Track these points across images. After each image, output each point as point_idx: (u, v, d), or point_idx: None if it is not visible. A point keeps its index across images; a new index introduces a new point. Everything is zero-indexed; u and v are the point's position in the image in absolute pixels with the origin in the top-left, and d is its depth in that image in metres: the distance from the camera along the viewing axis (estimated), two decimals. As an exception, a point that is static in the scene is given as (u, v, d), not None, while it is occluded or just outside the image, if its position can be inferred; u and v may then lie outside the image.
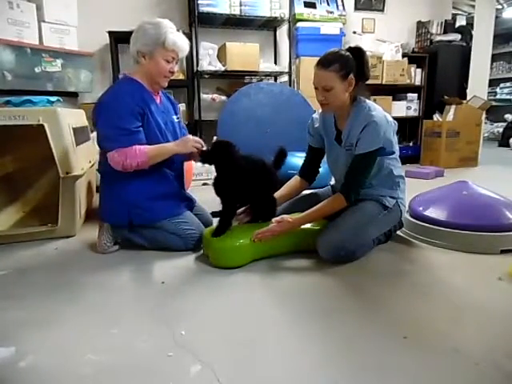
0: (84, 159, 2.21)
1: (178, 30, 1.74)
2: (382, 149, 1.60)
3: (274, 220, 1.66)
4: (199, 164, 3.23)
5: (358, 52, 1.59)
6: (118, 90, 1.71)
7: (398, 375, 0.96)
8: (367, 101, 1.66)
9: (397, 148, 1.74)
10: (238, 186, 1.65)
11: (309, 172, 1.93)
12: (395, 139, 1.72)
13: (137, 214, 1.72)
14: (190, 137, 1.72)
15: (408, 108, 4.62)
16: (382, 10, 4.72)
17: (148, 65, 1.70)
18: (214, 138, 3.61)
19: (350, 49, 1.60)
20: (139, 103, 1.68)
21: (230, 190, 1.66)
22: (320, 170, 1.95)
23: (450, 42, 4.70)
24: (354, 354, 1.04)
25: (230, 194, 1.67)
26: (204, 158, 1.69)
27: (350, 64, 1.56)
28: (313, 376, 0.96)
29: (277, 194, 1.84)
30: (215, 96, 3.91)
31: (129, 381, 0.95)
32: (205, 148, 1.71)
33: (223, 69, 3.72)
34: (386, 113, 1.67)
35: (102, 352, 1.06)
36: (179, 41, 1.70)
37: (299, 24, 4.03)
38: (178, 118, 1.94)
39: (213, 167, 1.69)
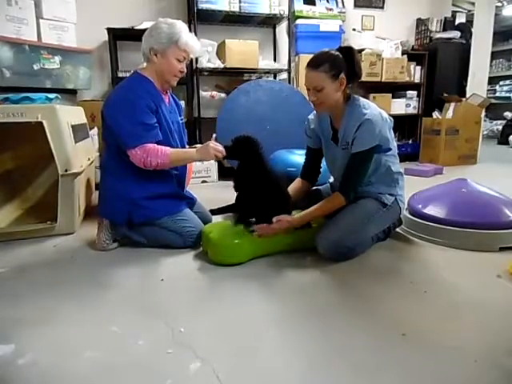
0: (83, 156, 2.21)
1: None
2: (378, 146, 1.61)
3: (274, 219, 1.66)
4: (199, 162, 3.23)
5: (348, 51, 1.59)
6: (134, 86, 1.69)
7: (397, 372, 0.96)
8: (361, 99, 1.66)
9: (394, 144, 1.74)
10: (260, 180, 1.64)
11: (310, 173, 1.92)
12: (392, 136, 1.72)
13: (136, 211, 1.72)
14: (211, 144, 1.66)
15: (407, 105, 4.61)
16: (382, 7, 4.71)
17: (160, 63, 1.71)
18: (213, 135, 3.60)
19: (340, 49, 1.61)
20: (153, 100, 1.68)
21: (251, 182, 1.65)
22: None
23: (449, 39, 4.70)
24: (353, 351, 1.04)
25: (251, 186, 1.66)
26: (229, 155, 1.66)
27: (340, 64, 1.56)
28: (312, 373, 0.96)
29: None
30: (214, 93, 3.91)
31: (128, 378, 0.96)
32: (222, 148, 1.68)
33: (222, 66, 3.71)
34: (381, 110, 1.67)
35: (100, 349, 1.06)
36: (192, 41, 1.73)
37: (298, 21, 4.02)
38: (181, 120, 1.94)
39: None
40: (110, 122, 1.66)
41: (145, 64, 1.78)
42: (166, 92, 1.83)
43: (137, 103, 1.63)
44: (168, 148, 1.67)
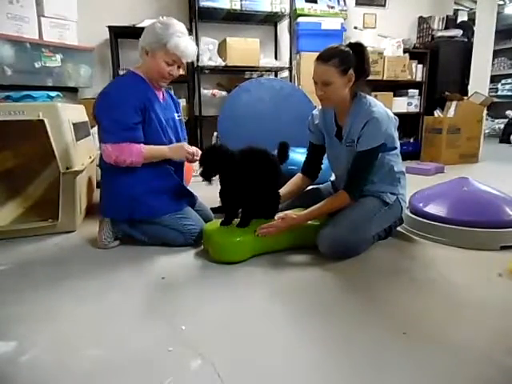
0: (84, 155, 2.21)
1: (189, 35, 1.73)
2: (383, 145, 1.60)
3: (277, 216, 1.66)
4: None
5: (358, 48, 1.58)
6: (122, 83, 1.72)
7: (397, 371, 0.96)
8: (368, 97, 1.66)
9: (398, 144, 1.74)
10: (242, 186, 1.64)
11: (311, 169, 1.92)
12: (396, 135, 1.72)
13: (138, 209, 1.72)
14: (185, 145, 1.71)
15: (409, 104, 4.61)
16: (384, 5, 4.70)
17: (149, 62, 1.70)
18: (215, 133, 3.61)
19: (350, 44, 1.60)
20: (141, 98, 1.67)
21: (236, 194, 1.66)
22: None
23: (451, 37, 4.68)
24: (353, 349, 1.04)
25: (237, 197, 1.67)
26: (203, 174, 1.63)
27: (350, 59, 1.55)
28: (312, 371, 0.96)
29: (280, 192, 1.84)
30: (215, 91, 3.91)
31: (129, 376, 0.96)
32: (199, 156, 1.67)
33: (223, 64, 3.71)
34: (386, 108, 1.67)
35: (102, 347, 1.07)
36: (183, 46, 1.66)
37: (300, 19, 4.01)
38: (179, 116, 1.94)
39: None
40: (96, 117, 1.68)
41: (140, 61, 1.77)
42: (160, 88, 1.82)
43: (120, 101, 1.63)
44: (142, 146, 1.66)
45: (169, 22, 1.69)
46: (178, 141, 1.87)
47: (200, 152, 1.68)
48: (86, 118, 2.53)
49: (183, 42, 1.67)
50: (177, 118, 1.91)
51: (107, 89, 1.70)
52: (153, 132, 1.71)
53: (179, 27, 1.69)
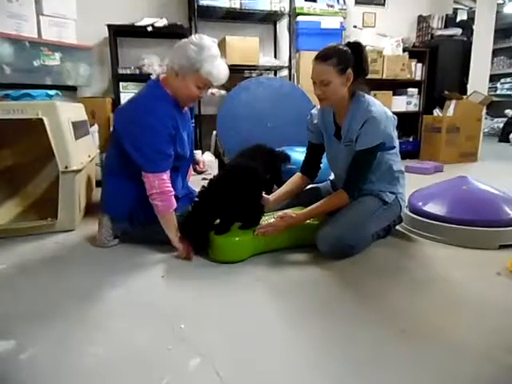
0: (83, 153, 2.21)
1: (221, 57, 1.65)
2: (382, 144, 1.61)
3: (277, 215, 1.66)
4: (201, 157, 3.24)
5: (357, 47, 1.58)
6: (157, 108, 1.61)
7: (396, 369, 0.96)
8: (366, 96, 1.66)
9: (397, 143, 1.74)
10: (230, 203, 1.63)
11: (310, 168, 1.92)
12: (395, 134, 1.72)
13: (141, 209, 1.71)
14: (188, 251, 1.66)
15: (408, 103, 4.61)
16: (383, 4, 4.70)
17: (178, 83, 1.63)
18: (214, 132, 3.60)
19: (349, 44, 1.60)
20: (173, 124, 1.64)
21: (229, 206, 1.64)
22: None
23: (450, 36, 4.68)
24: (352, 348, 1.05)
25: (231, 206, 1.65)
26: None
27: (349, 59, 1.55)
28: (312, 370, 0.97)
29: (279, 191, 1.86)
30: (215, 90, 3.90)
31: (128, 374, 0.96)
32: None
33: (223, 63, 3.71)
34: (385, 108, 1.67)
35: (101, 345, 1.07)
36: (216, 72, 1.60)
37: (299, 18, 4.01)
38: (193, 122, 1.92)
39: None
40: (128, 140, 1.62)
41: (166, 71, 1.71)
42: (185, 106, 1.78)
43: (158, 131, 1.59)
44: (173, 204, 1.64)
45: (202, 43, 1.59)
46: (191, 148, 1.86)
47: (205, 160, 1.69)
48: (85, 117, 2.53)
49: (216, 67, 1.61)
50: (191, 125, 1.89)
51: (143, 114, 1.59)
52: (176, 151, 1.69)
53: (212, 49, 1.60)
